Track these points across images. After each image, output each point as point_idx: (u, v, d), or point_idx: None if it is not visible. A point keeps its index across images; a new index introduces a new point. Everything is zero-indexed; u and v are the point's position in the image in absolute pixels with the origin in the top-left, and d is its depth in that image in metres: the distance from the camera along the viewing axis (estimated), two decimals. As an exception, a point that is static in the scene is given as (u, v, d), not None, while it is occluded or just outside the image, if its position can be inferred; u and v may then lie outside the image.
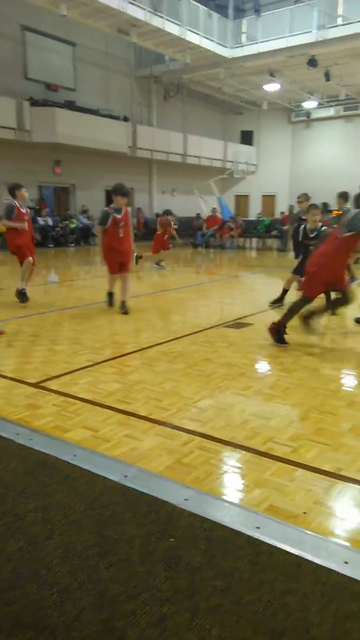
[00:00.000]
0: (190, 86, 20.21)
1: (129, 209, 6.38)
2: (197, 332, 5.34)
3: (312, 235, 6.18)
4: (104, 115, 17.22)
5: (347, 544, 1.91)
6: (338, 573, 1.73)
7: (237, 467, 2.50)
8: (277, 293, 6.65)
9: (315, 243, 6.09)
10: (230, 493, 2.28)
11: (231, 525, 2.01)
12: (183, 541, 1.92)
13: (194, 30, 15.53)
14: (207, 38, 16.11)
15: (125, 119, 18.29)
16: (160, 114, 20.37)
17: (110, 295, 6.55)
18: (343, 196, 7.59)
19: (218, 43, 16.50)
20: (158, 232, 11.23)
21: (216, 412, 3.16)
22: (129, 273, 6.46)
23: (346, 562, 1.78)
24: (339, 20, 14.84)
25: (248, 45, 16.66)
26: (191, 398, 3.39)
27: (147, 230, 18.23)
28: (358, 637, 1.48)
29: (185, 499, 2.18)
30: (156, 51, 16.95)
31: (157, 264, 11.39)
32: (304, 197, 7.56)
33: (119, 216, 6.12)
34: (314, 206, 6.23)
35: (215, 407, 3.26)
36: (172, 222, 11.46)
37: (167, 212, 11.50)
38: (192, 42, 15.61)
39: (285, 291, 6.60)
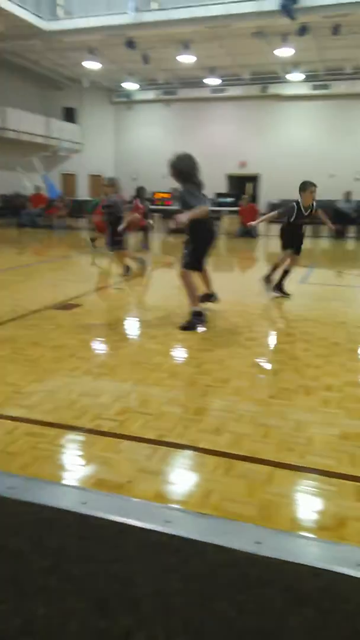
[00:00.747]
0: (5, 56, 18.90)
1: None
2: (24, 315, 5.14)
3: (305, 214, 6.01)
4: None
5: (168, 504, 2.03)
6: (160, 532, 1.84)
7: (65, 448, 2.49)
8: (108, 272, 6.68)
9: (307, 221, 6.09)
10: (58, 474, 2.27)
11: (58, 505, 2.01)
12: (8, 530, 1.86)
13: (5, -5, 14.49)
14: (21, 6, 15.17)
15: None
16: (-27, 84, 18.77)
17: None
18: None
19: (33, 13, 15.67)
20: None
21: (44, 396, 3.10)
22: None
23: (167, 521, 1.89)
24: (155, 5, 15.11)
25: (65, 19, 16.11)
26: (17, 384, 3.27)
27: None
28: (177, 587, 1.60)
29: (10, 488, 2.11)
30: None
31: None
32: (110, 182, 7.23)
33: None
34: (311, 184, 5.98)
35: (43, 391, 3.19)
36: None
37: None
38: (3, 8, 14.57)
39: (285, 272, 6.30)
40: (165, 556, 1.73)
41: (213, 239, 4.92)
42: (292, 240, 6.18)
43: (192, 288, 4.73)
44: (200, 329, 4.64)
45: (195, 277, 4.93)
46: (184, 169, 4.66)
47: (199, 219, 4.56)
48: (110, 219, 7.12)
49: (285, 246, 6.25)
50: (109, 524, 1.90)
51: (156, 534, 1.84)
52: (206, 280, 5.16)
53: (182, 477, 2.25)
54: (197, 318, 4.65)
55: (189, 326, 4.62)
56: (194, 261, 4.77)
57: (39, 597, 1.57)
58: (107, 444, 2.50)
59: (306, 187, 5.97)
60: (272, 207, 16.83)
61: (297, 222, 6.07)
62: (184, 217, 4.52)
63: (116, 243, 7.17)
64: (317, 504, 2.05)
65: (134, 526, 1.88)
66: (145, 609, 1.52)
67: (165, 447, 2.47)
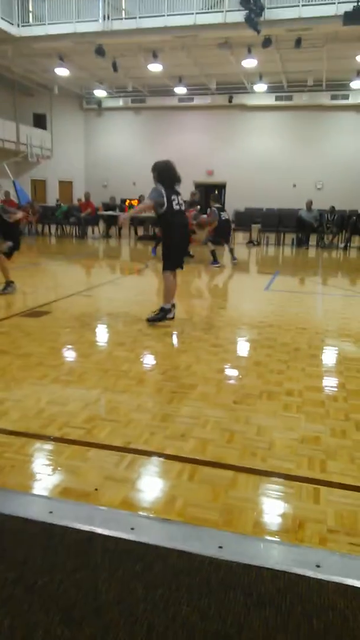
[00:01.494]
0: (-26, 61, 18.68)
1: None
2: (-9, 324, 5.09)
3: None
4: None
5: (133, 512, 2.05)
6: (125, 540, 1.86)
7: (32, 457, 2.49)
8: (78, 280, 6.63)
9: None
10: (24, 483, 2.26)
11: (24, 515, 2.01)
12: (-28, 541, 1.85)
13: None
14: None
15: None
16: None
17: None
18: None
19: (4, 19, 15.56)
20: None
21: (11, 405, 3.08)
22: None
23: (132, 528, 1.92)
24: (123, 14, 15.19)
25: (36, 25, 16.05)
26: (-18, 394, 3.24)
27: None
28: (141, 593, 1.62)
29: (-26, 499, 2.10)
30: None
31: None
32: None
33: None
34: None
35: (9, 399, 3.17)
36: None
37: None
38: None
39: None
40: (130, 563, 1.75)
41: (187, 235, 5.16)
42: None
43: (169, 288, 5.05)
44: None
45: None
46: (158, 168, 5.01)
47: (170, 219, 4.87)
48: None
49: None
50: (75, 532, 1.91)
51: (122, 541, 1.86)
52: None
53: (148, 483, 2.27)
54: (164, 313, 5.01)
55: (156, 319, 5.01)
56: (173, 262, 5.05)
57: (4, 608, 1.57)
58: (75, 452, 2.51)
59: None
60: (238, 214, 17.11)
61: None
62: (125, 215, 5.22)
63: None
64: (278, 507, 2.10)
65: (99, 534, 1.89)
66: (109, 617, 1.54)
67: (132, 454, 2.49)
